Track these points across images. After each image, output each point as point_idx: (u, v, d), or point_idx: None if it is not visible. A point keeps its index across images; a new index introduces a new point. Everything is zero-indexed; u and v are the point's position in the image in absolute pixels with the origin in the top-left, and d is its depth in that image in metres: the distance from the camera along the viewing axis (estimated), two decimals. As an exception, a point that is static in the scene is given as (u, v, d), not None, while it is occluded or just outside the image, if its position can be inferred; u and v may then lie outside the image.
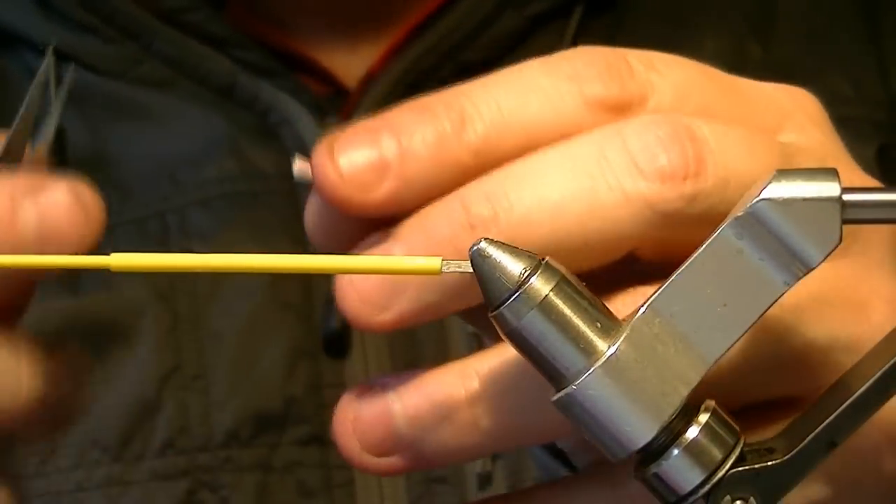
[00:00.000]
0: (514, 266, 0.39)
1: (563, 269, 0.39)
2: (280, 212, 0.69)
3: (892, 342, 0.40)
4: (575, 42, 0.73)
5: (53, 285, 0.66)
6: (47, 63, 0.70)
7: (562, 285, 0.39)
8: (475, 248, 0.39)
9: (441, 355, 0.66)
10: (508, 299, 0.39)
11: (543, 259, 0.39)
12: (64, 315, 0.66)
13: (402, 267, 0.40)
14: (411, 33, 0.72)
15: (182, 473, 0.64)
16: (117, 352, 0.65)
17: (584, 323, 0.39)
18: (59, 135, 0.70)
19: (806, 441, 0.40)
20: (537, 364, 0.39)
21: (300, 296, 0.67)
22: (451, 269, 0.40)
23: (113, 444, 0.64)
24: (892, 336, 0.40)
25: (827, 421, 0.39)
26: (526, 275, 0.39)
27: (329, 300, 0.65)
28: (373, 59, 0.72)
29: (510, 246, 0.39)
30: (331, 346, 0.66)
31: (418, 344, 0.67)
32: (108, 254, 0.40)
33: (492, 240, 0.39)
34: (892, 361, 0.39)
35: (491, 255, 0.39)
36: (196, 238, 0.68)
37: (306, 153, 0.69)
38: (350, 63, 0.73)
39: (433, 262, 0.40)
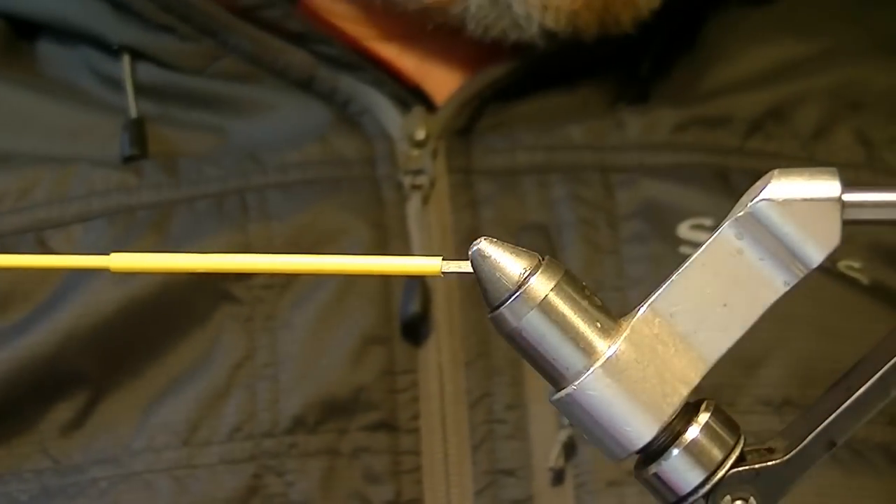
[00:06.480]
0: (514, 266, 0.39)
1: (563, 269, 0.39)
2: (360, 197, 0.69)
3: (892, 342, 0.40)
4: (653, 75, 0.73)
5: (109, 276, 0.66)
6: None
7: (562, 285, 0.39)
8: (475, 248, 0.39)
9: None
10: (508, 299, 0.39)
11: (544, 258, 0.39)
12: (118, 305, 0.66)
13: (402, 267, 0.40)
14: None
15: (248, 458, 0.65)
16: (190, 340, 0.65)
17: (584, 323, 0.39)
18: (138, 125, 0.71)
19: (806, 441, 0.39)
20: (537, 364, 0.39)
21: (377, 282, 0.67)
22: (451, 270, 0.40)
23: (182, 429, 0.65)
24: (892, 336, 0.40)
25: (827, 421, 0.39)
26: (526, 275, 0.39)
27: (409, 284, 0.66)
28: (452, 74, 0.72)
29: (510, 245, 0.39)
30: (409, 330, 0.66)
31: (493, 337, 0.67)
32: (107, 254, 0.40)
33: (492, 239, 0.39)
34: (892, 361, 0.39)
35: (491, 255, 0.39)
36: (275, 220, 0.68)
37: (388, 140, 0.69)
38: (433, 74, 0.73)
39: (433, 263, 0.40)
